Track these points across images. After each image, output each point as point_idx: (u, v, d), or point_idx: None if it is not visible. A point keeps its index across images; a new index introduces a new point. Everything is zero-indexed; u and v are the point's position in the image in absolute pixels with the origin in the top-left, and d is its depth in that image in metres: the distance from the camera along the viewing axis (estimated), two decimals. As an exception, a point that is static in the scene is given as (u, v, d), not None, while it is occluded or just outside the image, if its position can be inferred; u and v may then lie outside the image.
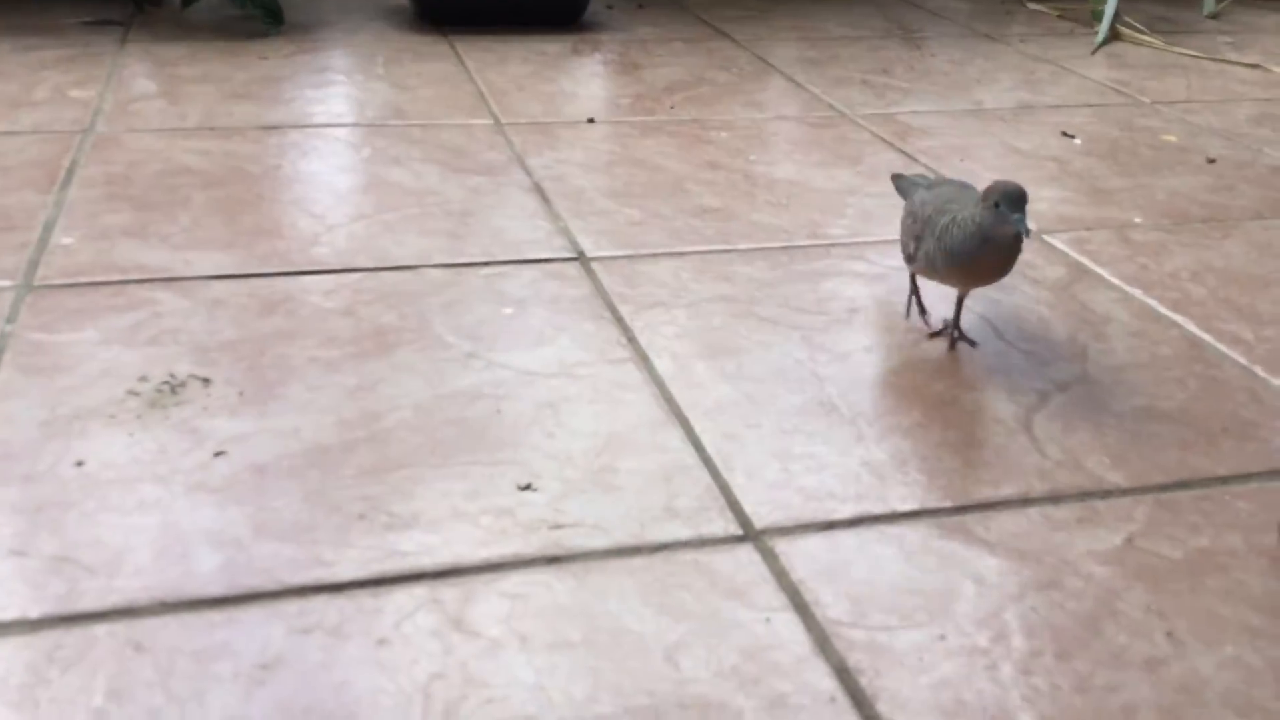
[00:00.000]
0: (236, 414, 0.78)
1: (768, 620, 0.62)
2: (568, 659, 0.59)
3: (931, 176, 1.05)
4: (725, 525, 0.70)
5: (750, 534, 0.69)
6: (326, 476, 0.73)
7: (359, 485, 0.72)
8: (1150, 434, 0.80)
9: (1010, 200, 0.79)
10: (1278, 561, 0.67)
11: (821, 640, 0.61)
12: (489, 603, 0.63)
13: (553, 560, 0.66)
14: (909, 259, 0.90)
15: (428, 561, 0.66)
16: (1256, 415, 0.82)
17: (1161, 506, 0.73)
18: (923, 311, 0.94)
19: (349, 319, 0.93)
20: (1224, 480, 0.75)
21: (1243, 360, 0.89)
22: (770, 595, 0.64)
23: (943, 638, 0.61)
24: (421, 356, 0.87)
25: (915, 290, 0.94)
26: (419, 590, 0.63)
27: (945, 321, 0.92)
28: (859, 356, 0.89)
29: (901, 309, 0.96)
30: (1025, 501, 0.73)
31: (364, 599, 0.63)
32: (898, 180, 1.02)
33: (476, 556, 0.66)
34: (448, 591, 0.63)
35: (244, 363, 0.85)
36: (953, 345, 0.90)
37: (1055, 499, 0.73)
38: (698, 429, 0.79)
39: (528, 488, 0.72)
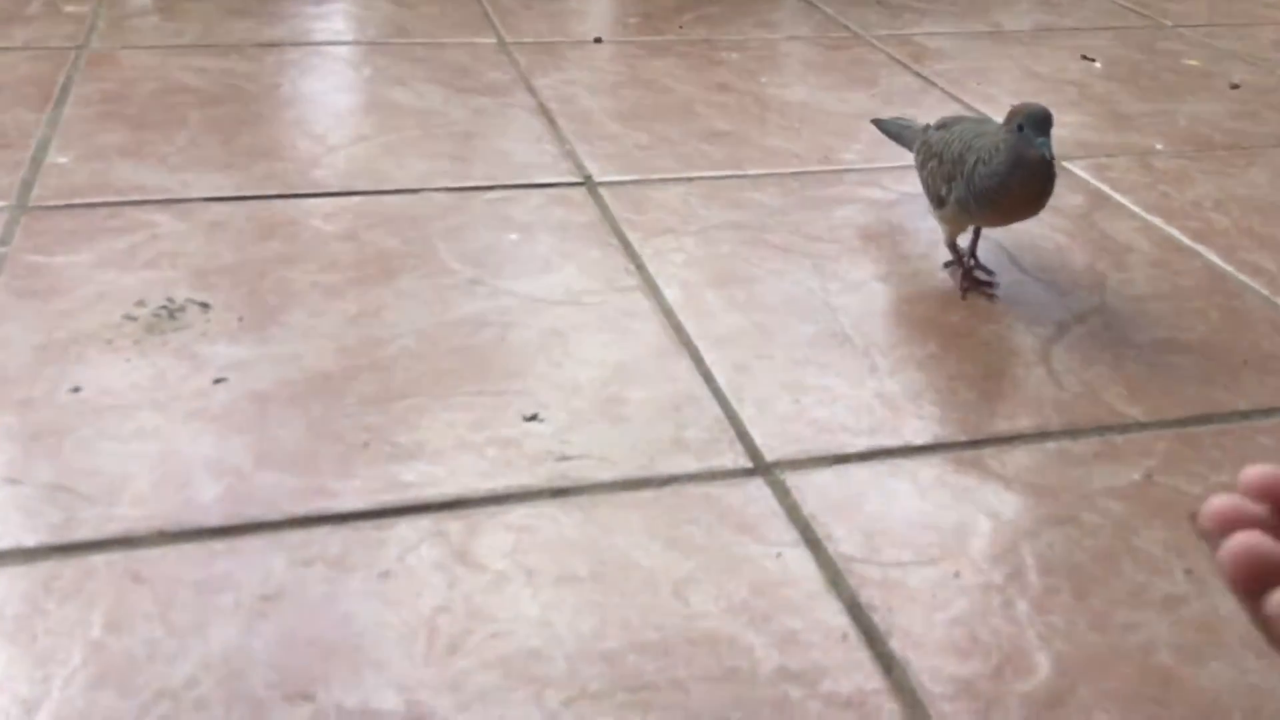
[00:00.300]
0: (236, 340, 0.77)
1: (779, 555, 0.61)
2: (574, 593, 0.58)
3: (912, 116, 1.01)
4: (735, 458, 0.68)
5: (760, 467, 0.68)
6: (328, 405, 0.71)
7: (361, 414, 0.71)
8: (1170, 366, 0.78)
9: (1035, 122, 0.76)
10: (1300, 499, 0.65)
11: (833, 576, 0.60)
12: (494, 535, 0.61)
13: (559, 493, 0.65)
14: (939, 203, 0.86)
15: (432, 493, 0.64)
16: (1278, 348, 0.80)
17: (1181, 441, 0.71)
18: (974, 269, 0.87)
19: (350, 243, 0.90)
20: (1245, 415, 0.74)
21: (1265, 291, 0.87)
22: (781, 530, 0.63)
23: (957, 574, 0.60)
24: (425, 283, 0.85)
25: (957, 254, 0.87)
26: (423, 522, 0.62)
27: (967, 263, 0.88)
28: (873, 286, 0.87)
29: (914, 236, 0.94)
30: (1042, 435, 0.71)
31: (367, 530, 0.61)
32: (880, 124, 0.99)
33: (481, 488, 0.65)
34: (452, 524, 0.62)
35: (243, 287, 0.83)
36: (966, 293, 0.86)
37: (1073, 433, 0.72)
38: (707, 359, 0.78)
39: (534, 418, 0.71)
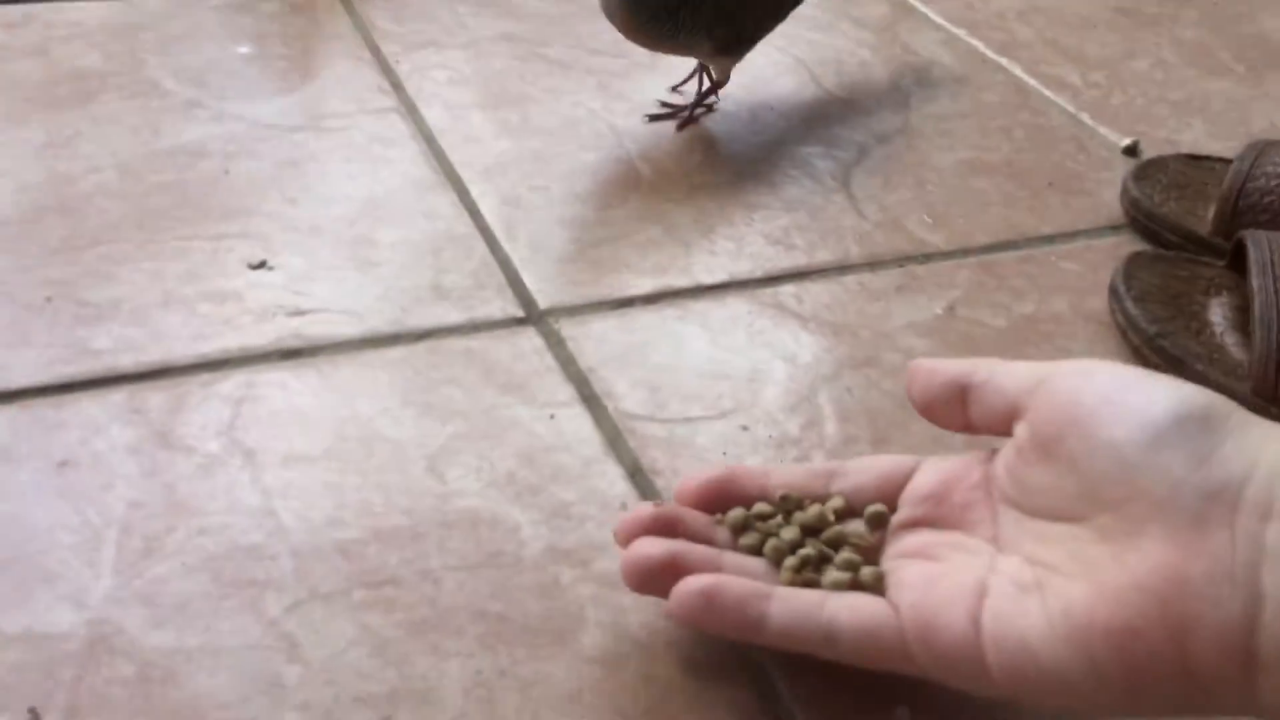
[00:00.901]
0: (-123, 179, 0.62)
1: (551, 417, 0.53)
2: (305, 475, 0.48)
3: None
4: (504, 306, 0.59)
5: (533, 316, 0.59)
6: (2, 256, 0.58)
7: (43, 267, 0.58)
8: (974, 190, 0.73)
9: None
10: (1104, 328, 0.62)
11: (613, 437, 0.52)
12: (206, 410, 0.51)
13: (290, 354, 0.55)
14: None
15: (128, 361, 0.53)
16: (1084, 167, 0.76)
17: (985, 270, 0.66)
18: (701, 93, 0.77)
19: (38, 60, 0.75)
20: (1050, 239, 0.69)
21: (1070, 107, 0.83)
22: (555, 387, 0.55)
23: (746, 428, 0.53)
24: (131, 105, 0.71)
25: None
26: (116, 397, 0.51)
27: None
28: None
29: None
30: (842, 269, 0.65)
31: (43, 410, 0.50)
32: None
33: (192, 353, 0.54)
34: (153, 397, 0.51)
35: (-110, 114, 0.67)
36: (684, 125, 0.75)
37: (874, 265, 0.66)
38: (473, 192, 0.67)
39: (261, 266, 0.60)
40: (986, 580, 0.38)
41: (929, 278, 0.65)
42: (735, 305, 0.61)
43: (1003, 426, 0.41)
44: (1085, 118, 0.82)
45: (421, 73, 0.79)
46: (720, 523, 0.43)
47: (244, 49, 0.78)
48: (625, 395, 0.54)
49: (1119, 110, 0.82)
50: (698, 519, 0.43)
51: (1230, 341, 0.58)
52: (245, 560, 0.44)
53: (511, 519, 0.47)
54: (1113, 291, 0.62)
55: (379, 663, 0.41)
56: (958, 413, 0.42)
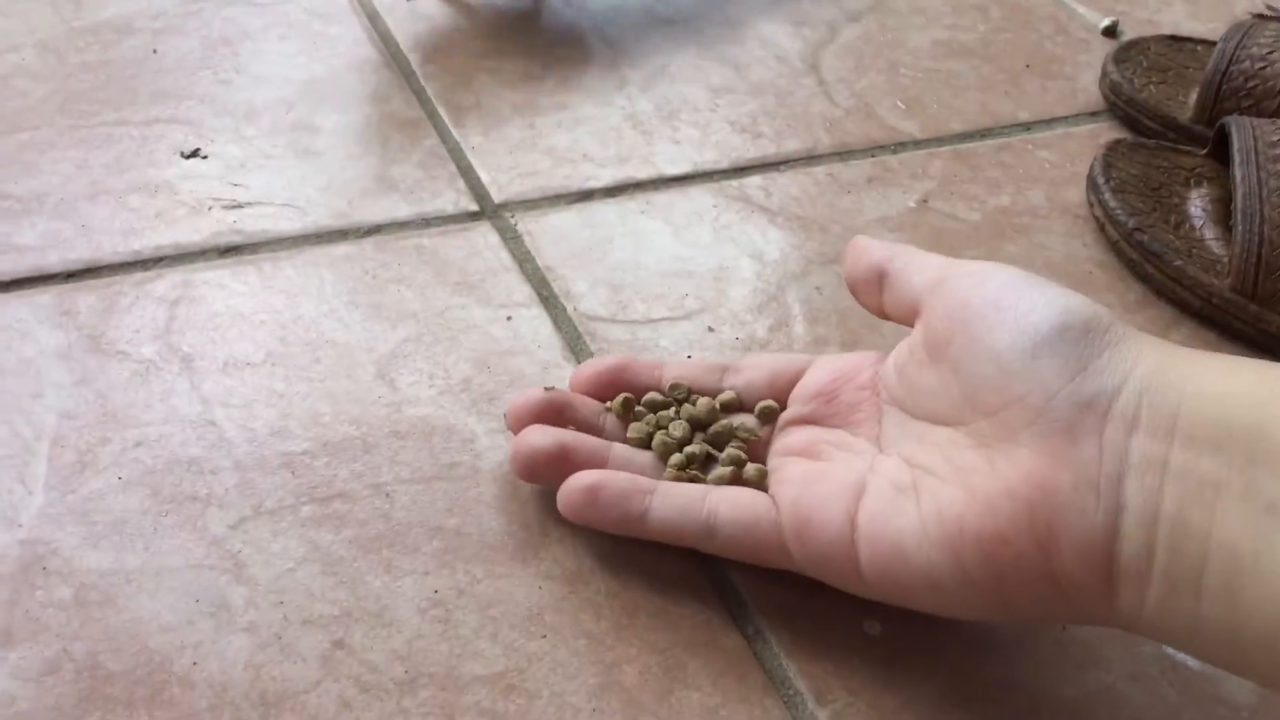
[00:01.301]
0: None
1: (508, 319, 0.50)
2: (247, 383, 0.46)
3: None
4: (456, 199, 0.56)
5: (488, 210, 0.56)
6: (-91, 145, 0.54)
7: (-43, 156, 0.54)
8: (948, 73, 0.70)
9: None
10: (1081, 220, 0.60)
11: (573, 340, 0.50)
12: (139, 312, 0.48)
13: (229, 250, 0.51)
14: None
15: (54, 260, 0.49)
16: (1062, 49, 0.73)
17: (959, 159, 0.64)
18: None
19: (-56, -77, 0.69)
20: (1027, 126, 0.67)
21: (1048, -14, 0.79)
22: (512, 286, 0.52)
23: (712, 329, 0.51)
24: (47, -24, 0.65)
25: None
26: (42, 299, 0.48)
27: None
28: (621, -20, 0.73)
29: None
30: (811, 159, 0.62)
31: (-38, 315, 0.47)
32: None
33: (123, 249, 0.50)
34: (82, 298, 0.48)
35: None
36: None
37: (844, 155, 0.63)
38: (421, 74, 0.63)
39: (195, 154, 0.56)
40: (865, 480, 0.38)
41: (901, 168, 0.62)
42: (700, 198, 0.58)
43: (908, 320, 0.40)
44: (1064, -4, 0.78)
45: (364, -59, 0.73)
46: (609, 410, 0.43)
47: (170, -87, 0.72)
48: (585, 295, 0.52)
49: (1099, -12, 0.79)
50: (587, 404, 0.43)
51: (1210, 235, 0.56)
52: (185, 474, 0.42)
53: (468, 428, 0.45)
54: (1091, 183, 0.59)
55: (330, 582, 0.39)
56: (875, 298, 0.42)
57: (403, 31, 0.66)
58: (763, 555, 0.39)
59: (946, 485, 0.36)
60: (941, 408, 0.37)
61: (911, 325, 0.40)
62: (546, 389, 0.43)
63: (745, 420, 0.43)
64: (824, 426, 0.41)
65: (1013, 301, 0.36)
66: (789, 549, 0.38)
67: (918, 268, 0.40)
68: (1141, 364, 0.34)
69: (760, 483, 0.41)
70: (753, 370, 0.44)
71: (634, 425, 0.43)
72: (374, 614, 0.39)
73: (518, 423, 0.42)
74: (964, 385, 0.36)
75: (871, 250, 0.42)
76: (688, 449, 0.42)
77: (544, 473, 0.41)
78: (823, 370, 0.43)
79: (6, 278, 0.49)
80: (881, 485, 0.37)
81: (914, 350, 0.39)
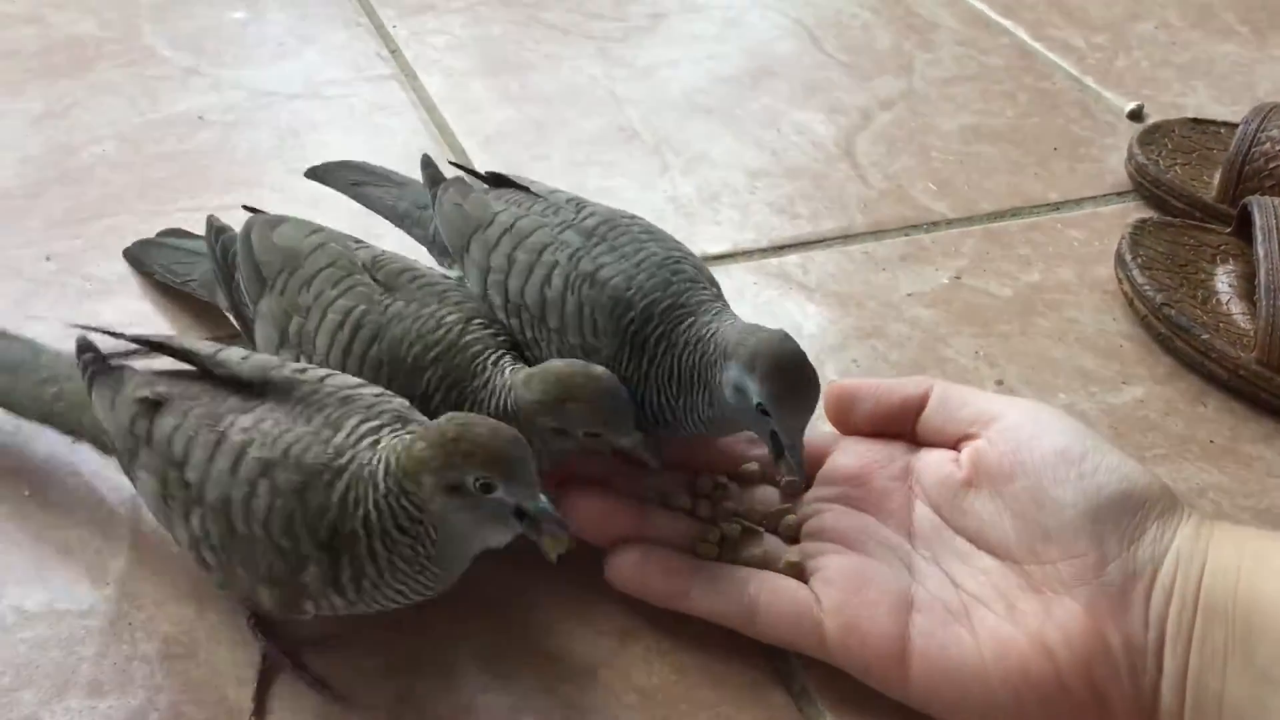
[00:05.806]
0: (-125, 152, 0.61)
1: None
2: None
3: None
4: (509, 276, 0.59)
5: (538, 286, 0.59)
6: (5, 230, 0.58)
7: (46, 240, 0.58)
8: (978, 156, 0.73)
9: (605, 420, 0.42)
10: (1110, 296, 0.62)
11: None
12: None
13: (297, 328, 0.54)
14: None
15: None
16: (1089, 132, 0.76)
17: (990, 238, 0.66)
18: None
19: (34, 27, 0.74)
20: (1056, 206, 0.69)
21: (1074, 71, 0.82)
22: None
23: (758, 400, 0.53)
24: (128, 74, 0.70)
25: None
26: (124, 374, 0.51)
27: None
28: (664, 72, 0.77)
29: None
30: (846, 238, 0.65)
31: (52, 388, 0.50)
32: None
33: (197, 327, 0.54)
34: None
35: (-115, 84, 0.66)
36: None
37: (878, 234, 0.66)
38: (475, 161, 0.67)
39: (265, 238, 0.59)
40: (912, 592, 0.40)
41: (934, 247, 0.65)
42: (740, 275, 0.61)
43: (944, 444, 0.43)
44: (1090, 81, 0.81)
45: (419, 38, 0.78)
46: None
47: (239, 14, 0.77)
48: (633, 368, 0.54)
49: (1123, 73, 0.82)
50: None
51: (1236, 310, 0.58)
52: (259, 537, 0.45)
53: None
54: (1119, 259, 0.62)
55: (391, 635, 0.41)
56: (907, 425, 0.45)
57: (458, 122, 0.70)
58: (801, 645, 0.41)
59: (1004, 624, 0.39)
60: (991, 536, 0.40)
61: (946, 446, 0.43)
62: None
63: (765, 491, 0.45)
64: (854, 509, 0.43)
65: (1077, 457, 0.39)
66: (829, 645, 0.40)
67: (958, 400, 0.43)
68: (1181, 533, 0.38)
69: (798, 572, 0.42)
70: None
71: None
72: (438, 666, 0.41)
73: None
74: (1021, 527, 0.40)
75: (898, 386, 0.45)
76: (724, 526, 0.43)
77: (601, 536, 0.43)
78: (851, 455, 0.45)
79: (91, 353, 0.52)
80: (932, 603, 0.40)
81: (963, 469, 0.42)
